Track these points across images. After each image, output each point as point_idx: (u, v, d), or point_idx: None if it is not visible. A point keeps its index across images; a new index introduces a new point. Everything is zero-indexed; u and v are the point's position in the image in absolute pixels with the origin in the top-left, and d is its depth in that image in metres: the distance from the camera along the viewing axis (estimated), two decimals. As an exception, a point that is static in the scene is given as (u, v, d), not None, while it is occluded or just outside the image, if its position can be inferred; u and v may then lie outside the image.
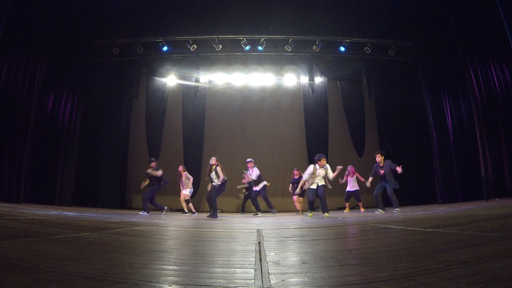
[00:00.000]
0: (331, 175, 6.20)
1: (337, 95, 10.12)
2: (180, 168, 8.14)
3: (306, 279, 1.22)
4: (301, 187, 6.55)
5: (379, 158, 6.78)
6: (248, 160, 7.93)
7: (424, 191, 8.44)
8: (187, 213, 7.89)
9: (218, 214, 7.81)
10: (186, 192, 8.01)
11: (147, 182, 7.23)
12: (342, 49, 9.31)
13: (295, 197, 7.91)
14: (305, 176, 6.25)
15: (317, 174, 6.20)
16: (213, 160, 6.50)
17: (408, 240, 2.26)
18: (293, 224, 4.35)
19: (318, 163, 6.19)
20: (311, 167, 6.23)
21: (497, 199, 6.41)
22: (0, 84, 6.91)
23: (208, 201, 6.54)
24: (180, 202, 8.13)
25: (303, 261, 1.56)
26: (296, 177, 7.87)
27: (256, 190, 7.67)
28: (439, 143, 8.22)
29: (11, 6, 5.97)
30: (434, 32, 8.31)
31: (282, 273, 1.29)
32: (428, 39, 8.52)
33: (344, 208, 8.14)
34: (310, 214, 6.14)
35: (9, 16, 5.98)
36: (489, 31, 6.81)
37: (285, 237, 2.76)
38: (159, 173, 7.16)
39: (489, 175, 6.84)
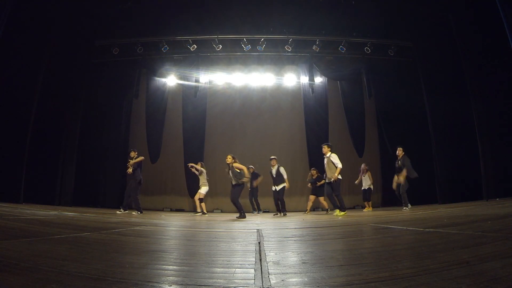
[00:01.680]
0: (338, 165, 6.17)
1: (337, 95, 10.12)
2: (200, 165, 8.06)
3: (306, 279, 1.22)
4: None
5: (399, 151, 7.02)
6: (272, 157, 7.48)
7: (424, 191, 8.43)
8: (199, 213, 7.78)
9: (218, 214, 7.82)
10: (203, 191, 7.88)
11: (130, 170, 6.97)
12: (343, 49, 9.30)
13: (311, 197, 7.93)
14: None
15: (325, 164, 6.30)
16: (228, 159, 6.19)
17: (408, 240, 2.26)
18: (293, 224, 4.35)
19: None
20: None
21: (497, 199, 6.40)
22: (1, 84, 6.90)
23: (233, 203, 6.27)
24: (194, 200, 8.03)
25: (303, 261, 1.56)
26: (314, 177, 7.89)
27: (275, 190, 7.39)
28: (439, 143, 8.22)
29: (11, 6, 5.97)
30: (434, 32, 8.31)
31: (282, 273, 1.29)
32: (428, 39, 8.51)
33: (364, 207, 8.16)
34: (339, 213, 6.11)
35: (9, 16, 5.97)
36: (489, 31, 6.81)
37: (285, 237, 2.76)
38: (141, 158, 6.97)
39: (489, 175, 6.84)
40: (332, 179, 6.19)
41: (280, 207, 7.25)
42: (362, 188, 8.02)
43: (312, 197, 7.91)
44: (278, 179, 7.31)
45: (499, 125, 6.89)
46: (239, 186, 6.13)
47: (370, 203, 8.06)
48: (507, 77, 6.67)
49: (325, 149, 6.26)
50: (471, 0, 7.06)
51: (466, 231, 2.36)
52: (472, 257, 1.38)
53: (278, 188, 7.27)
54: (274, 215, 7.35)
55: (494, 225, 2.57)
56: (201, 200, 7.89)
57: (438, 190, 8.05)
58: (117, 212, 6.57)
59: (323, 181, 7.32)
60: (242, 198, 8.01)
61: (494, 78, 6.98)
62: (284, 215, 7.03)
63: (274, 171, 7.37)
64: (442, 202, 7.70)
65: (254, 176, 8.21)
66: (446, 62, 8.15)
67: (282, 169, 7.36)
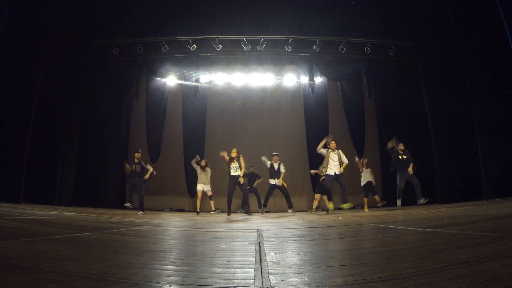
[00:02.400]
0: (345, 160, 6.46)
1: (337, 95, 10.12)
2: (203, 162, 8.09)
3: (306, 279, 1.22)
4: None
5: (402, 146, 7.16)
6: (275, 153, 7.65)
7: (424, 191, 8.44)
8: (215, 211, 7.86)
9: (218, 214, 7.81)
10: (209, 188, 7.97)
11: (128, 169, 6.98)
12: (343, 49, 9.30)
13: (317, 195, 8.03)
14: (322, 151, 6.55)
15: (331, 158, 6.37)
16: (234, 152, 6.50)
17: (408, 240, 2.26)
18: (293, 224, 4.35)
19: (329, 146, 6.42)
20: (323, 151, 6.46)
21: (497, 199, 6.40)
22: (1, 84, 6.90)
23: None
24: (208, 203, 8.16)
25: (303, 261, 1.56)
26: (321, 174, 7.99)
27: (274, 184, 7.48)
28: (439, 142, 8.22)
29: (11, 6, 5.97)
30: (434, 32, 8.31)
31: (282, 273, 1.29)
32: (428, 39, 8.51)
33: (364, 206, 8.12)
34: (331, 206, 6.25)
35: (9, 16, 5.97)
36: (489, 31, 6.81)
37: (285, 237, 2.76)
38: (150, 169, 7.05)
39: (489, 175, 6.84)
40: (338, 172, 6.41)
41: (286, 201, 7.41)
42: (362, 185, 7.98)
43: (318, 196, 7.96)
44: (279, 173, 7.43)
45: (499, 125, 6.89)
46: (236, 178, 6.36)
47: (366, 200, 7.98)
48: (507, 77, 6.67)
49: (333, 144, 6.55)
50: (471, 0, 7.06)
51: (466, 231, 2.36)
52: (472, 257, 1.38)
53: (280, 183, 7.36)
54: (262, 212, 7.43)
55: (494, 225, 2.57)
56: (211, 197, 7.97)
57: (438, 190, 8.04)
58: (139, 213, 6.54)
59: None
60: (237, 198, 8.07)
61: (494, 78, 6.97)
62: (292, 210, 7.28)
63: (276, 165, 7.46)
64: (442, 202, 7.70)
65: (253, 176, 8.19)
66: (446, 62, 8.15)
67: (283, 166, 7.51)
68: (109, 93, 9.58)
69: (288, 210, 7.42)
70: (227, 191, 6.41)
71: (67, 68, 8.55)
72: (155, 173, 7.22)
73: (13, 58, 7.08)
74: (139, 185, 6.88)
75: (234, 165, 6.41)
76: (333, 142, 6.54)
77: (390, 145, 7.33)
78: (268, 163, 7.49)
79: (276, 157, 7.52)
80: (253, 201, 8.47)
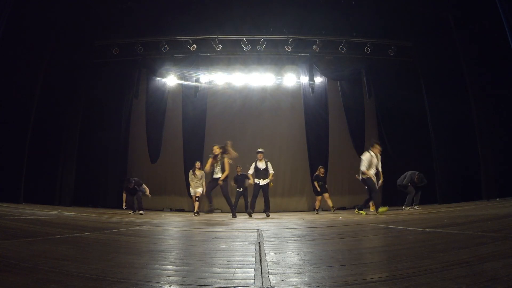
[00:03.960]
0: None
1: (337, 95, 10.12)
2: (198, 164, 7.97)
3: (306, 279, 1.22)
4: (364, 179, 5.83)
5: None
6: (260, 150, 6.86)
7: (424, 191, 8.44)
8: (197, 213, 7.83)
9: (217, 214, 7.79)
10: (201, 191, 7.80)
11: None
12: (343, 49, 9.30)
13: (320, 196, 8.00)
14: (363, 167, 5.75)
15: (374, 162, 5.75)
16: (216, 149, 5.87)
17: (408, 240, 2.26)
18: (293, 224, 4.35)
19: (372, 149, 5.81)
20: (367, 155, 5.82)
21: (497, 199, 6.41)
22: (1, 84, 6.90)
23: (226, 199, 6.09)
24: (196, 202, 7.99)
25: (303, 261, 1.55)
26: (322, 175, 7.97)
27: (258, 184, 6.83)
28: (439, 142, 8.23)
29: (11, 6, 5.97)
30: (434, 32, 8.31)
31: (282, 273, 1.29)
32: (428, 39, 8.52)
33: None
34: (382, 209, 5.70)
35: (9, 16, 5.98)
36: (489, 31, 6.81)
37: (285, 237, 2.76)
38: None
39: (489, 175, 6.85)
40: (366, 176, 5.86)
41: (265, 207, 6.67)
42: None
43: (319, 197, 7.97)
44: (264, 172, 6.68)
45: (499, 125, 6.90)
46: (216, 180, 5.91)
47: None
48: (507, 77, 6.68)
49: (378, 147, 5.91)
50: (471, 0, 7.06)
51: (466, 231, 2.36)
52: (472, 257, 1.38)
53: (263, 182, 6.61)
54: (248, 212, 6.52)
55: (494, 225, 2.57)
56: (197, 198, 7.80)
57: (438, 190, 8.05)
58: (140, 212, 6.78)
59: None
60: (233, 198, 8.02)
61: (494, 78, 6.98)
62: (268, 216, 6.44)
63: (261, 164, 6.71)
64: (442, 202, 7.70)
65: (242, 178, 8.14)
66: (446, 62, 8.15)
67: (270, 164, 6.82)
68: (109, 93, 9.58)
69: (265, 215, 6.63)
70: (223, 195, 6.05)
71: (67, 68, 8.55)
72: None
73: (13, 58, 7.08)
74: (137, 193, 7.07)
75: (217, 167, 5.81)
76: (377, 144, 5.87)
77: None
78: (252, 166, 6.75)
79: (260, 155, 6.72)
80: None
